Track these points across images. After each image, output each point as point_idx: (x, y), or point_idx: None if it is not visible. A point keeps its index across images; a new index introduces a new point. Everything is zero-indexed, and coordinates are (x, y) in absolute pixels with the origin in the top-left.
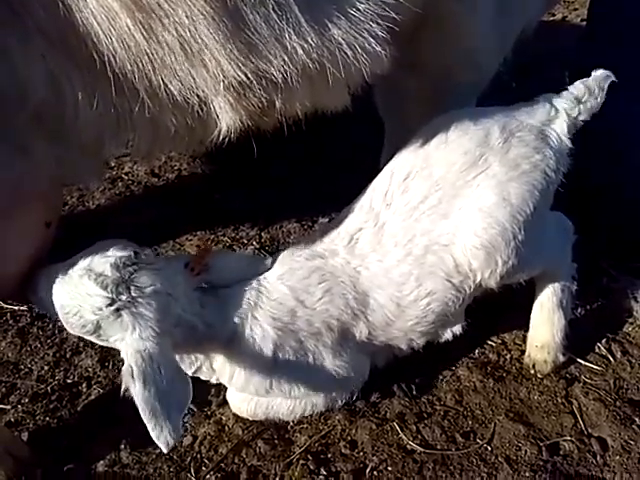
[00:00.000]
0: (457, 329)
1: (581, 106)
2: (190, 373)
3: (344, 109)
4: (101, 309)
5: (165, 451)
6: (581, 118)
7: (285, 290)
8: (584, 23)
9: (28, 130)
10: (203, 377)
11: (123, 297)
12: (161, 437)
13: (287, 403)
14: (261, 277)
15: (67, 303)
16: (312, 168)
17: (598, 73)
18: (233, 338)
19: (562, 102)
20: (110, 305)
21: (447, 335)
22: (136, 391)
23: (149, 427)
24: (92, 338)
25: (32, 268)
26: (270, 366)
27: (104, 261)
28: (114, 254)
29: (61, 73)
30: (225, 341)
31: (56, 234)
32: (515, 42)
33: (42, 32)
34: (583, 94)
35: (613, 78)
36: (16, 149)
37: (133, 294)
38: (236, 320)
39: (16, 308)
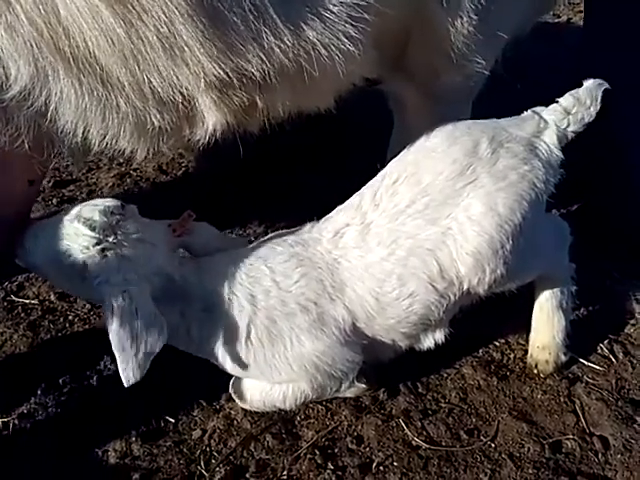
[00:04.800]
0: (439, 336)
1: (570, 117)
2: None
3: (356, 118)
4: (88, 248)
5: (125, 385)
6: (571, 129)
7: (265, 270)
8: None
9: (13, 106)
10: (181, 347)
11: (110, 239)
12: (125, 372)
13: (277, 387)
14: (242, 251)
15: (56, 243)
16: (322, 169)
17: (589, 83)
18: (209, 306)
19: (551, 114)
20: (97, 244)
21: (428, 342)
22: (112, 328)
23: (117, 360)
24: (76, 282)
25: (16, 222)
26: (243, 340)
27: (93, 208)
28: (102, 203)
29: (47, 62)
30: (201, 305)
31: None
32: (508, 44)
33: (30, 21)
34: (572, 106)
35: (606, 86)
36: None
37: (119, 237)
38: (212, 288)
39: (27, 302)
